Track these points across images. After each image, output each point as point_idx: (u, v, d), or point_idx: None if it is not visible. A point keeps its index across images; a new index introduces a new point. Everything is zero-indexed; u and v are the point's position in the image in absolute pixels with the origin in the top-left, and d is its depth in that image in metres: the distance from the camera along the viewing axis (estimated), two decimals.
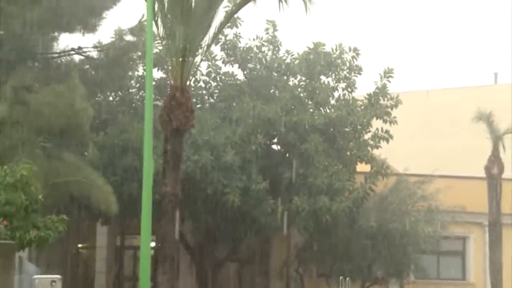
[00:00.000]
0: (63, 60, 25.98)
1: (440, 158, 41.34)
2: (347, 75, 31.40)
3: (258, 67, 31.39)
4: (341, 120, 30.31)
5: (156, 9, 20.40)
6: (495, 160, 33.27)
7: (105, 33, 30.38)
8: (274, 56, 31.67)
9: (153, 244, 19.32)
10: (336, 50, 31.33)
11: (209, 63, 31.31)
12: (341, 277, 30.47)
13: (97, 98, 27.27)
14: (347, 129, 30.70)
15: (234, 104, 30.48)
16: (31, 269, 19.86)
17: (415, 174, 32.53)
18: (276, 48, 31.80)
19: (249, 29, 36.32)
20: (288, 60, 31.58)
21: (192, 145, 27.32)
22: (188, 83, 21.67)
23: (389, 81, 31.33)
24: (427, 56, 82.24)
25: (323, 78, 31.22)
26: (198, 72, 30.07)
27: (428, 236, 31.00)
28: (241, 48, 31.37)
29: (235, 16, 26.79)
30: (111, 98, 30.16)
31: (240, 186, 28.28)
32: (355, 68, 31.41)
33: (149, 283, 18.01)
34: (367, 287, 30.11)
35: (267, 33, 31.70)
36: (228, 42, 30.91)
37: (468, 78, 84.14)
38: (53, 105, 22.50)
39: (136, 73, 29.28)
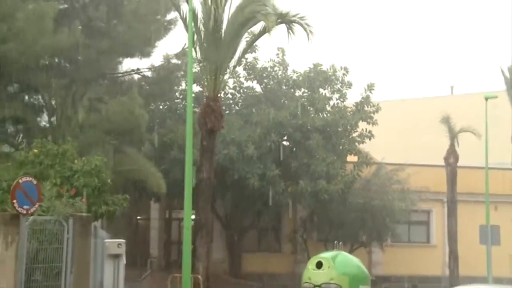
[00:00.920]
0: (125, 79, 26.05)
1: (410, 151, 41.37)
2: (340, 88, 31.28)
3: (271, 82, 31.35)
4: (335, 122, 30.20)
5: (195, 39, 20.47)
6: (451, 153, 33.05)
7: (156, 57, 30.58)
8: (283, 74, 31.59)
9: (193, 216, 19.38)
10: (330, 69, 31.29)
11: (235, 79, 31.23)
12: (335, 241, 30.51)
13: (150, 107, 27.12)
14: (339, 129, 30.49)
15: (253, 110, 30.36)
16: (103, 235, 19.99)
17: (391, 163, 32.27)
18: (285, 68, 31.72)
19: (265, 54, 36.50)
20: (294, 77, 31.51)
21: (222, 142, 27.21)
22: (219, 94, 21.71)
23: (371, 92, 31.28)
24: (403, 70, 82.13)
25: (321, 90, 31.12)
26: (226, 87, 29.77)
27: (401, 210, 30.66)
28: (258, 68, 31.35)
29: (254, 44, 26.70)
30: (160, 107, 30.01)
31: (258, 173, 28.22)
32: (346, 83, 31.33)
33: (190, 246, 18.22)
34: (355, 248, 29.96)
35: (278, 57, 31.67)
36: (248, 63, 30.92)
37: (433, 89, 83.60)
38: (118, 112, 22.60)
39: (180, 87, 29.12)
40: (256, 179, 28.03)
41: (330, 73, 31.22)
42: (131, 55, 25.48)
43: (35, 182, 13.61)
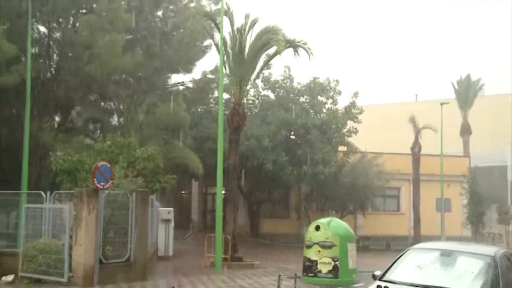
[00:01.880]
0: (173, 89, 25.97)
1: (386, 143, 41.40)
2: (333, 95, 31.13)
3: (282, 91, 31.21)
4: (329, 121, 30.10)
5: (224, 59, 20.54)
6: (416, 144, 33.05)
7: (196, 73, 30.57)
8: (290, 85, 31.42)
9: (223, 191, 19.51)
10: (326, 81, 31.16)
11: (254, 89, 31.21)
12: (329, 210, 30.78)
13: (191, 110, 27.13)
14: (333, 127, 30.31)
15: (268, 113, 30.28)
16: (157, 204, 20.26)
17: (372, 152, 32.19)
18: (291, 80, 31.57)
19: (277, 70, 36.46)
20: (298, 87, 31.37)
21: (245, 136, 27.08)
22: (242, 101, 21.61)
23: (356, 98, 31.12)
24: (380, 80, 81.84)
25: (319, 97, 30.99)
26: (248, 95, 29.89)
27: (378, 187, 30.69)
28: (272, 81, 31.25)
29: (269, 63, 26.74)
30: (199, 110, 29.88)
31: (272, 159, 28.19)
32: (337, 91, 31.22)
33: (221, 214, 18.41)
34: (344, 215, 29.98)
35: (285, 72, 31.60)
36: (265, 77, 30.80)
37: (402, 95, 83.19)
38: (168, 114, 22.65)
39: (214, 95, 28.89)
40: (270, 164, 28.06)
41: (325, 84, 31.08)
42: (177, 71, 25.52)
43: (108, 165, 13.82)
